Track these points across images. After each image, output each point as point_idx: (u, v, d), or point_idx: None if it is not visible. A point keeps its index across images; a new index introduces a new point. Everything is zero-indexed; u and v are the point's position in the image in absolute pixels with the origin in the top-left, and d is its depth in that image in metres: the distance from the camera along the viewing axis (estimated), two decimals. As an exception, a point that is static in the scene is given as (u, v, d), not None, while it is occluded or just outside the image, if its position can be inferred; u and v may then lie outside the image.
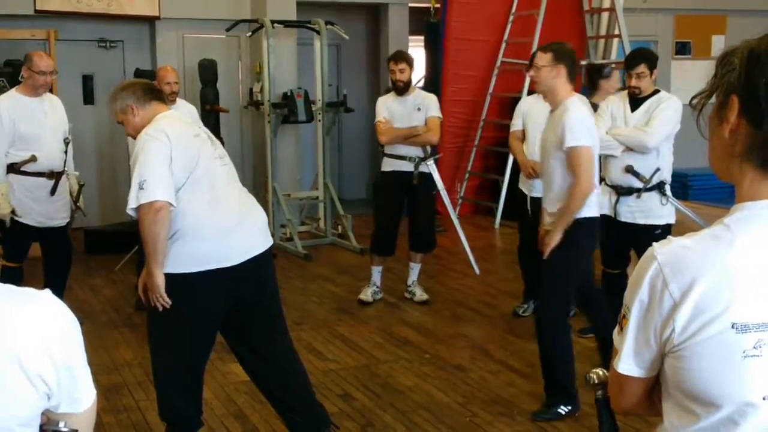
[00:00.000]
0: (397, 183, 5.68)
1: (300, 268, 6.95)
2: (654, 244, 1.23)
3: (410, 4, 9.78)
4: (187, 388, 3.30)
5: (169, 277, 3.06)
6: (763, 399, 1.16)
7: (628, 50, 7.90)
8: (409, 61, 5.63)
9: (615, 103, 4.69)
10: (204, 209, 3.09)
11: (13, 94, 4.94)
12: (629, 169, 4.48)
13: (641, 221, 4.52)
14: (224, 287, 3.13)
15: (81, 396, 1.34)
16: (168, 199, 2.98)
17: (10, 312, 1.24)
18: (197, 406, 3.36)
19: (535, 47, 7.98)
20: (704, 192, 9.08)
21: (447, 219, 7.00)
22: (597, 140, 3.81)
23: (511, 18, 9.11)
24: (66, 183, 5.04)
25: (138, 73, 7.78)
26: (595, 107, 4.46)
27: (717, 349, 1.16)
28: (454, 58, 9.06)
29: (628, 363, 1.27)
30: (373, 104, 6.00)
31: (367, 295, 5.92)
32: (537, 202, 5.10)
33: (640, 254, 1.26)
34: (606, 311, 4.01)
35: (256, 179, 8.57)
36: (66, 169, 5.02)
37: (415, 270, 5.91)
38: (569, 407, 3.85)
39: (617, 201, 4.53)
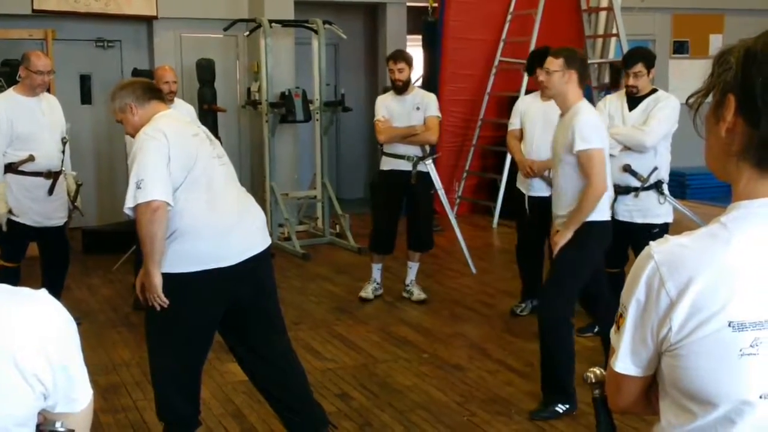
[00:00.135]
0: (395, 182, 5.68)
1: (298, 267, 6.95)
2: (651, 242, 1.23)
3: (408, 4, 9.78)
4: (185, 388, 3.30)
5: (167, 277, 3.06)
6: (760, 397, 1.16)
7: (625, 49, 7.91)
8: (408, 61, 5.63)
9: (613, 102, 4.69)
10: (202, 209, 3.09)
11: (10, 93, 4.93)
12: (627, 168, 4.49)
13: (639, 220, 4.53)
14: (222, 287, 3.13)
15: (78, 396, 1.33)
16: (165, 198, 2.98)
17: (6, 312, 1.24)
18: (195, 406, 3.36)
19: (532, 46, 7.99)
20: (702, 191, 9.09)
21: (445, 218, 7.00)
22: (608, 142, 3.83)
23: (508, 17, 9.11)
24: (63, 183, 5.04)
25: (136, 72, 7.78)
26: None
27: (714, 348, 1.16)
28: (452, 57, 9.06)
29: (625, 362, 1.27)
30: (371, 104, 6.01)
31: (367, 292, 5.94)
32: (535, 201, 5.12)
33: (637, 253, 1.27)
34: (612, 313, 4.01)
35: (254, 179, 8.57)
36: (63, 168, 5.01)
37: (413, 269, 5.91)
38: (567, 406, 3.86)
39: (615, 200, 4.53)
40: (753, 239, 1.17)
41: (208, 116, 7.67)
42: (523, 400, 4.10)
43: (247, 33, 8.13)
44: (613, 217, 4.51)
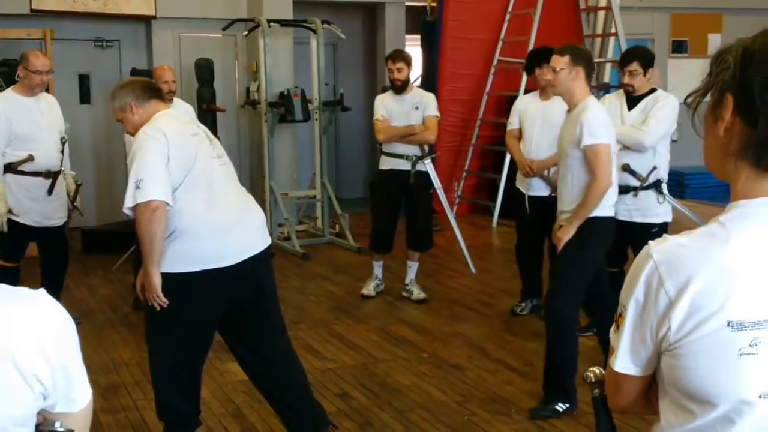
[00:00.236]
0: (394, 181, 5.69)
1: (297, 267, 6.95)
2: (650, 242, 1.23)
3: (407, 3, 9.78)
4: (185, 388, 3.30)
5: (167, 277, 3.06)
6: (759, 397, 1.16)
7: (624, 49, 7.91)
8: (407, 60, 5.64)
9: (612, 101, 4.69)
10: (201, 209, 3.09)
11: (9, 93, 4.93)
12: (626, 168, 4.48)
13: (638, 220, 4.53)
14: (222, 287, 3.13)
15: (77, 396, 1.33)
16: (164, 198, 2.98)
17: (5, 312, 1.24)
18: (195, 406, 3.36)
19: (531, 46, 8.00)
20: (701, 190, 9.10)
21: (444, 218, 7.00)
22: (614, 138, 3.84)
23: (507, 17, 9.11)
24: (63, 182, 5.04)
25: (134, 72, 7.78)
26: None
27: (713, 348, 1.16)
28: (451, 56, 9.06)
29: (625, 361, 1.27)
30: (370, 103, 6.01)
31: (369, 289, 5.97)
32: (534, 200, 5.13)
33: (637, 253, 1.26)
34: (612, 311, 4.01)
35: (253, 178, 8.57)
36: (62, 168, 5.01)
37: (412, 269, 5.92)
38: (567, 405, 3.86)
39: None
40: (752, 238, 1.17)
41: (207, 116, 7.67)
42: (522, 399, 4.10)
43: (246, 33, 8.13)
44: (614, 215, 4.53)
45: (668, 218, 4.61)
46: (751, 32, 1.20)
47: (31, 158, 4.81)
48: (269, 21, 7.82)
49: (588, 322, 4.85)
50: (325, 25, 8.03)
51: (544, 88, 5.17)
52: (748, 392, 1.16)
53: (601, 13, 9.51)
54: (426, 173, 5.75)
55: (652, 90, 4.59)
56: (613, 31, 9.02)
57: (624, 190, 4.50)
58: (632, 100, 4.59)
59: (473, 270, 6.47)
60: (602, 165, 3.70)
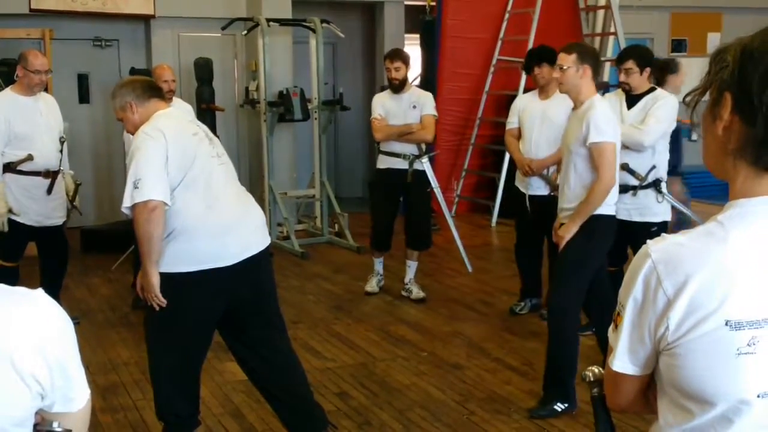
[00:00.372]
0: (391, 180, 5.70)
1: (297, 266, 6.95)
2: (648, 241, 1.23)
3: (406, 2, 9.77)
4: (185, 388, 3.30)
5: (166, 277, 3.06)
6: (758, 396, 1.16)
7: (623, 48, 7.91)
8: (405, 59, 5.64)
9: (612, 100, 4.69)
10: (200, 208, 3.09)
11: (8, 93, 4.93)
12: (625, 167, 4.48)
13: (637, 219, 4.52)
14: (221, 287, 3.13)
15: (75, 396, 1.33)
16: (163, 198, 2.98)
17: (3, 312, 1.24)
18: (194, 405, 3.36)
19: (530, 45, 8.00)
20: (700, 189, 9.08)
21: (443, 217, 7.00)
22: (620, 137, 3.84)
23: (506, 16, 9.11)
24: (62, 182, 5.04)
25: (133, 72, 7.76)
26: None
27: (711, 347, 1.16)
28: (450, 56, 9.06)
29: (623, 361, 1.27)
30: (370, 103, 6.01)
31: (372, 285, 6.00)
32: (534, 199, 5.13)
33: (636, 252, 1.26)
34: (611, 311, 4.01)
35: (253, 178, 8.57)
36: (61, 168, 5.01)
37: (411, 268, 5.92)
38: (566, 404, 3.86)
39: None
40: (750, 237, 1.17)
41: (207, 115, 7.66)
42: (522, 398, 4.10)
43: (245, 32, 8.12)
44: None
45: (668, 217, 4.61)
46: (751, 31, 1.19)
47: (30, 158, 4.81)
48: (268, 20, 7.81)
49: (587, 322, 4.85)
50: (325, 25, 8.03)
51: (543, 87, 5.17)
52: (747, 392, 1.15)
53: (601, 12, 9.51)
54: (423, 172, 5.75)
55: (652, 89, 4.58)
56: (612, 30, 9.02)
57: (623, 189, 4.49)
58: (631, 99, 4.59)
59: (470, 269, 6.47)
60: (607, 163, 3.70)
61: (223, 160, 3.26)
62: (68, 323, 1.32)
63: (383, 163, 5.76)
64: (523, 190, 5.22)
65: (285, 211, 7.70)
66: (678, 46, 10.90)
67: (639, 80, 4.51)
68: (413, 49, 9.00)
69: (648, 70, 4.53)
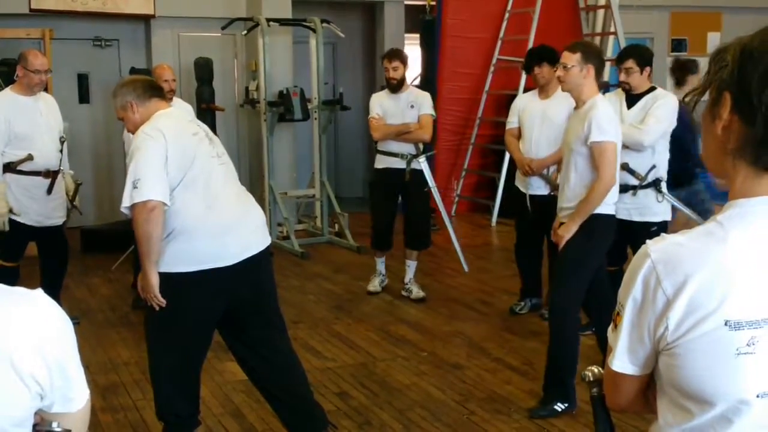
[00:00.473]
0: (390, 180, 5.72)
1: (297, 266, 6.95)
2: (647, 241, 1.23)
3: (406, 2, 9.77)
4: (185, 387, 3.30)
5: (165, 277, 3.06)
6: (757, 396, 1.15)
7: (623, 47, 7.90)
8: (403, 59, 5.66)
9: (611, 100, 4.68)
10: (200, 209, 3.08)
11: (8, 93, 4.93)
12: (625, 167, 4.47)
13: (637, 219, 4.52)
14: (221, 287, 3.13)
15: (74, 396, 1.33)
16: (162, 198, 2.98)
17: (2, 312, 1.24)
18: (194, 405, 3.36)
19: (530, 45, 7.99)
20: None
21: (440, 217, 7.00)
22: (621, 137, 3.84)
23: (506, 15, 9.11)
24: (62, 182, 5.04)
25: (133, 71, 7.76)
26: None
27: (710, 347, 1.15)
28: (450, 55, 9.06)
29: (623, 360, 1.27)
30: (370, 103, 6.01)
31: (375, 285, 6.01)
32: (534, 199, 5.13)
33: (636, 252, 1.26)
34: (611, 310, 4.00)
35: (253, 178, 8.57)
36: (62, 168, 5.01)
37: (411, 267, 5.92)
38: (566, 404, 3.86)
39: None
40: (750, 237, 1.17)
41: (207, 115, 7.66)
42: (522, 398, 4.10)
43: (245, 32, 8.12)
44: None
45: (667, 217, 4.60)
46: (750, 31, 1.19)
47: (30, 158, 4.80)
48: (268, 20, 7.81)
49: (587, 321, 4.85)
50: (325, 24, 8.03)
51: (543, 87, 5.17)
52: (746, 392, 1.15)
53: (601, 12, 9.51)
54: (421, 172, 5.77)
55: (652, 88, 4.58)
56: (612, 29, 9.01)
57: (623, 189, 4.49)
58: (631, 99, 4.59)
59: (466, 269, 6.48)
60: (607, 163, 3.70)
61: (223, 160, 3.25)
62: (67, 323, 1.32)
63: (381, 162, 5.78)
64: (523, 189, 5.22)
65: (285, 211, 7.70)
66: (678, 45, 10.90)
67: (639, 80, 4.51)
68: (413, 48, 9.01)
69: (648, 69, 4.53)
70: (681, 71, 5.16)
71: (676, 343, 1.18)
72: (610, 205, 3.82)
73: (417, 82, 9.02)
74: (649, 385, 1.30)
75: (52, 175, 4.92)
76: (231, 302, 3.21)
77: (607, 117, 3.72)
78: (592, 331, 4.55)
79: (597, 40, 9.57)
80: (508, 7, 9.09)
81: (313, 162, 8.28)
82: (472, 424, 3.84)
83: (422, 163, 5.75)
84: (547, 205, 4.55)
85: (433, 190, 6.02)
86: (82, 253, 7.24)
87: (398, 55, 5.68)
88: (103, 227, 7.87)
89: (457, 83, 9.11)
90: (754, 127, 1.15)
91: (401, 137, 5.63)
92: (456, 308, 5.71)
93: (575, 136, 3.78)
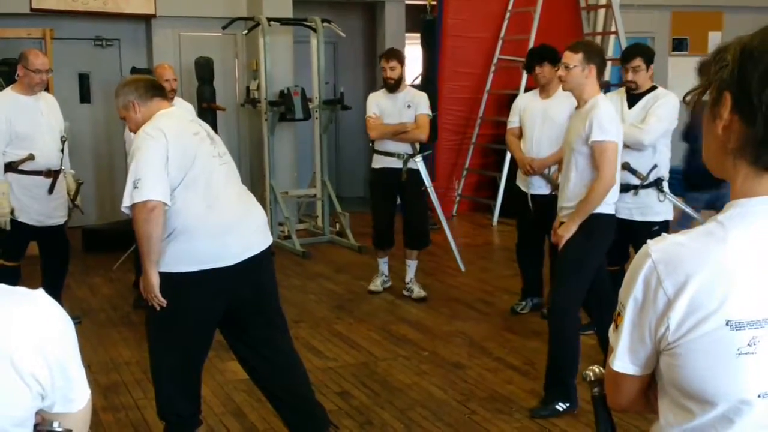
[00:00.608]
0: (387, 180, 5.73)
1: (298, 266, 6.95)
2: (648, 241, 1.23)
3: (407, 2, 9.77)
4: (186, 387, 3.30)
5: (166, 277, 3.06)
6: (758, 396, 1.15)
7: (624, 47, 7.90)
8: (400, 59, 5.68)
9: (612, 99, 4.69)
10: (200, 208, 3.08)
11: (8, 92, 4.93)
12: (626, 166, 4.48)
13: (638, 218, 4.52)
14: (221, 287, 3.13)
15: (75, 396, 1.33)
16: (162, 198, 2.98)
17: (3, 312, 1.24)
18: (196, 405, 3.36)
19: (531, 44, 7.99)
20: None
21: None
22: (622, 137, 3.84)
23: (507, 15, 9.10)
24: (63, 182, 5.04)
25: (134, 71, 7.76)
26: None
27: (711, 347, 1.15)
28: (451, 55, 9.05)
29: (624, 361, 1.27)
30: (371, 102, 6.02)
31: (376, 284, 6.02)
32: (535, 199, 5.13)
33: (638, 251, 1.26)
34: (612, 310, 4.00)
35: (254, 177, 8.57)
36: (63, 167, 5.01)
37: (411, 267, 5.93)
38: (567, 404, 3.85)
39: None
40: (750, 237, 1.17)
41: (208, 115, 7.67)
42: (523, 398, 4.10)
43: (246, 31, 8.12)
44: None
45: (669, 216, 4.61)
46: (751, 30, 1.19)
47: (31, 157, 4.81)
48: (269, 20, 7.81)
49: (588, 321, 4.85)
50: (325, 24, 8.03)
51: (544, 87, 5.17)
52: (747, 392, 1.15)
53: (602, 11, 9.51)
54: (418, 171, 5.78)
55: (653, 88, 4.59)
56: (613, 29, 9.01)
57: (624, 188, 4.49)
58: (632, 98, 4.59)
59: (462, 268, 6.48)
60: (608, 162, 3.70)
61: (224, 160, 3.25)
62: (69, 323, 1.32)
63: (378, 162, 5.79)
64: (524, 189, 5.22)
65: (286, 211, 7.70)
66: (679, 45, 10.89)
67: (645, 78, 4.53)
68: (414, 48, 9.01)
69: (652, 68, 4.56)
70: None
71: (677, 343, 1.18)
72: (610, 204, 3.81)
73: (418, 81, 9.02)
74: (650, 385, 1.30)
75: (53, 174, 4.92)
76: (232, 302, 3.21)
77: (608, 116, 3.71)
78: (593, 331, 4.55)
79: (598, 39, 9.56)
80: (509, 7, 9.09)
81: (314, 161, 8.29)
82: (473, 424, 3.84)
83: (419, 163, 5.76)
84: (549, 204, 4.55)
85: (429, 189, 6.02)
86: (84, 253, 7.24)
87: (395, 55, 5.69)
88: (104, 227, 7.87)
89: (458, 83, 9.11)
90: (755, 127, 1.15)
91: (398, 137, 5.65)
92: (457, 308, 5.71)
93: (576, 135, 3.78)
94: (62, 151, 5.00)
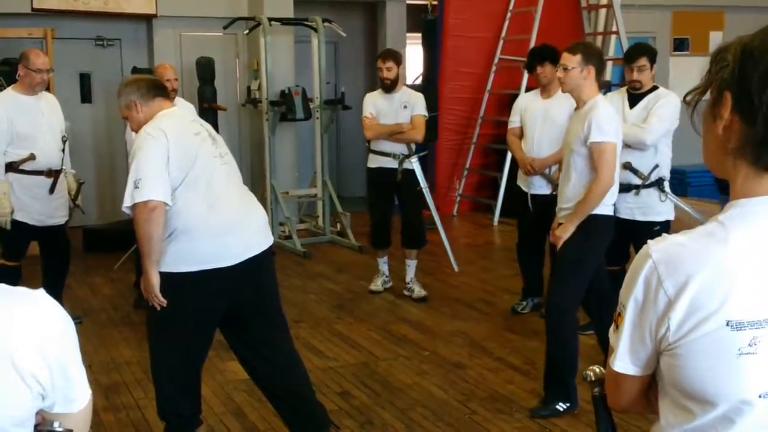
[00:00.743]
0: (382, 180, 5.75)
1: (299, 266, 6.95)
2: (648, 241, 1.23)
3: (408, 2, 9.77)
4: (186, 387, 3.30)
5: (167, 276, 3.06)
6: (759, 397, 1.15)
7: (625, 47, 7.90)
8: (397, 59, 5.70)
9: (613, 99, 4.69)
10: (201, 209, 3.08)
11: (9, 92, 4.93)
12: (627, 166, 4.48)
13: (640, 218, 4.52)
14: (222, 287, 3.13)
15: (76, 396, 1.33)
16: (163, 198, 2.98)
17: (3, 312, 1.24)
18: (196, 405, 3.36)
19: (532, 44, 7.99)
20: (703, 188, 9.08)
21: (442, 216, 7.00)
22: (621, 138, 3.83)
23: (508, 15, 9.10)
24: (64, 181, 5.04)
25: (135, 71, 7.76)
26: None
27: (712, 347, 1.15)
28: (452, 55, 9.05)
29: (624, 361, 1.27)
30: (372, 102, 6.02)
31: (377, 284, 6.03)
32: (535, 199, 5.13)
33: (638, 251, 1.26)
34: (612, 310, 4.00)
35: (255, 177, 8.57)
36: (63, 167, 5.01)
37: (411, 267, 5.93)
38: (568, 404, 3.85)
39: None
40: (751, 238, 1.17)
41: (208, 115, 7.66)
42: (524, 397, 4.10)
43: (247, 31, 8.12)
44: (614, 214, 4.52)
45: (671, 216, 4.60)
46: (752, 30, 1.19)
47: (32, 157, 4.81)
48: (270, 19, 7.81)
49: (588, 321, 4.85)
50: (326, 24, 8.03)
51: (545, 87, 5.17)
52: (748, 392, 1.15)
53: (603, 11, 9.50)
54: (413, 171, 5.78)
55: (654, 87, 4.59)
56: (614, 29, 9.00)
57: (626, 188, 4.49)
58: (634, 98, 4.59)
59: (456, 268, 6.48)
60: (606, 163, 3.69)
61: (226, 160, 3.25)
62: (69, 324, 1.32)
63: (374, 162, 5.82)
64: (525, 189, 5.22)
65: (287, 211, 7.70)
66: (680, 45, 10.89)
67: (649, 77, 4.54)
68: (415, 48, 9.00)
69: (655, 67, 4.57)
70: None
71: (677, 343, 1.18)
72: (608, 205, 3.81)
73: (419, 81, 9.02)
74: (650, 385, 1.30)
75: (54, 174, 4.92)
76: (232, 302, 3.21)
77: (607, 117, 3.71)
78: (593, 331, 4.55)
79: (599, 39, 9.57)
80: (510, 7, 9.09)
81: (314, 161, 8.29)
82: (473, 424, 3.84)
83: (414, 164, 5.77)
84: (549, 204, 4.54)
85: (424, 190, 6.03)
86: (84, 253, 7.25)
87: (392, 56, 5.71)
88: (105, 227, 7.88)
89: (458, 83, 9.11)
90: (755, 127, 1.15)
91: (394, 137, 5.66)
92: (458, 308, 5.71)
93: (575, 136, 3.78)
94: (63, 150, 5.00)
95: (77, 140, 7.43)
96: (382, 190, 5.81)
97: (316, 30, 7.98)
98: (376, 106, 5.72)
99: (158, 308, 3.10)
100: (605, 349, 4.05)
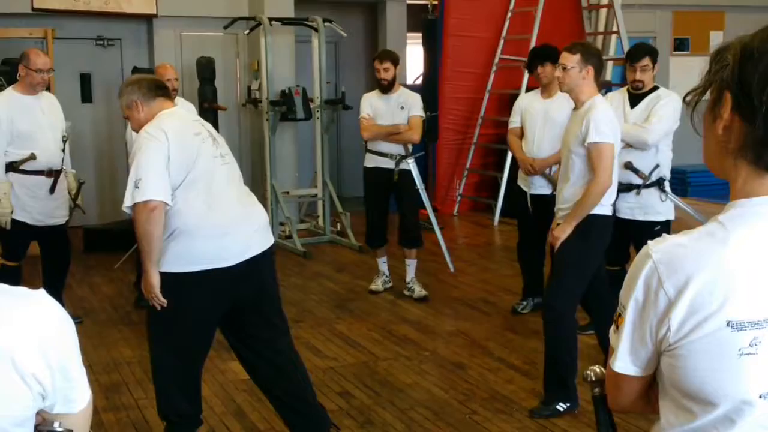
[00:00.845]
0: (379, 179, 5.76)
1: (299, 265, 6.95)
2: (649, 242, 1.23)
3: (408, 1, 9.77)
4: (186, 387, 3.30)
5: (167, 276, 3.06)
6: (760, 397, 1.15)
7: (626, 47, 7.90)
8: (394, 60, 5.71)
9: (614, 99, 4.69)
10: (201, 209, 3.08)
11: (10, 92, 4.93)
12: (628, 166, 4.48)
13: (640, 218, 4.52)
14: (222, 287, 3.13)
15: (76, 397, 1.33)
16: (163, 198, 2.98)
17: (4, 312, 1.24)
18: (197, 405, 3.36)
19: (533, 44, 7.98)
20: (703, 188, 9.08)
21: (443, 216, 7.00)
22: (620, 139, 3.83)
23: (509, 15, 9.10)
24: (64, 181, 5.04)
25: (136, 71, 7.76)
26: None
27: (713, 348, 1.15)
28: (453, 54, 9.05)
29: (624, 361, 1.27)
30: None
31: (377, 284, 6.04)
32: (536, 199, 5.13)
33: (639, 251, 1.26)
34: (612, 310, 4.00)
35: (255, 177, 8.57)
36: (64, 167, 5.02)
37: (411, 266, 5.94)
38: (568, 404, 3.85)
39: (616, 198, 4.53)
40: (751, 238, 1.17)
41: (209, 115, 7.66)
42: (524, 397, 4.10)
43: (248, 31, 8.12)
44: (614, 214, 4.52)
45: (671, 216, 4.60)
46: (753, 30, 1.19)
47: (32, 157, 4.81)
48: (270, 19, 7.81)
49: (588, 321, 4.85)
50: (327, 24, 8.03)
51: (545, 87, 5.17)
52: (749, 392, 1.15)
53: (603, 11, 9.50)
54: (410, 172, 5.79)
55: (655, 87, 4.59)
56: (614, 29, 9.00)
57: (626, 188, 4.50)
58: (635, 98, 4.59)
59: (452, 269, 6.48)
60: (604, 164, 3.69)
61: (226, 160, 3.25)
62: (69, 324, 1.32)
63: (370, 162, 5.83)
64: (525, 189, 5.22)
65: (287, 211, 7.70)
66: (680, 44, 10.88)
67: (650, 77, 4.54)
68: (415, 48, 9.00)
69: (656, 67, 4.57)
70: None
71: (678, 344, 1.18)
72: (607, 206, 3.80)
73: (419, 81, 9.02)
74: (651, 385, 1.30)
75: (54, 174, 4.92)
76: (233, 302, 3.21)
77: (605, 118, 3.70)
78: (593, 331, 4.54)
79: (599, 39, 9.57)
80: (511, 7, 9.09)
81: (315, 161, 8.29)
82: (474, 424, 3.84)
83: (411, 164, 5.78)
84: (549, 204, 4.54)
85: (421, 191, 6.04)
86: (85, 253, 7.25)
87: (389, 56, 5.72)
88: (105, 227, 7.88)
89: (459, 82, 9.11)
90: (755, 127, 1.15)
91: (391, 138, 5.66)
92: (458, 307, 5.71)
93: (573, 136, 3.78)
94: (63, 150, 5.01)
95: (78, 140, 7.43)
96: (379, 190, 5.82)
97: (316, 30, 7.98)
98: (373, 106, 5.73)
99: (158, 308, 3.09)
100: (605, 349, 4.05)
